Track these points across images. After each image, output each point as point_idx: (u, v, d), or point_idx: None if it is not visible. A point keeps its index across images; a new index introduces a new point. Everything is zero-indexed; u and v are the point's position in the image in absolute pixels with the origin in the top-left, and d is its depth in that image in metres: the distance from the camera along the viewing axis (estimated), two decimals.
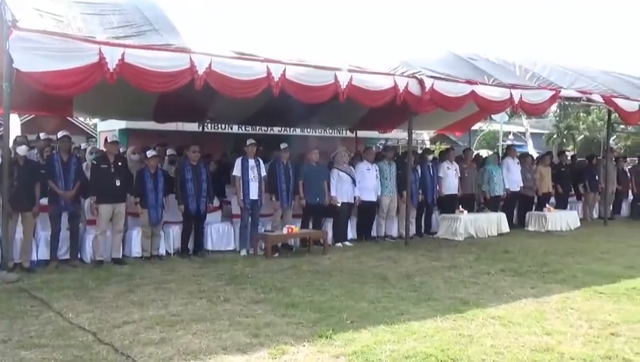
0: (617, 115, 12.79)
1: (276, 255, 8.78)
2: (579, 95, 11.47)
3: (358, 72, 8.63)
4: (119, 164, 8.26)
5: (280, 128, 16.17)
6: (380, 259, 8.58)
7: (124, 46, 6.87)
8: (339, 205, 9.77)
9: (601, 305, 6.04)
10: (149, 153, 8.61)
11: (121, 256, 8.26)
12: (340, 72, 8.38)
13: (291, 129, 16.23)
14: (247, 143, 9.20)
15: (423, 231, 11.17)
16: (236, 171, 9.05)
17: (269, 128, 16.21)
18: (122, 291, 6.47)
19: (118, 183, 8.10)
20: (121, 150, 11.27)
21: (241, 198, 8.97)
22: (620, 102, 11.96)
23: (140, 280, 7.02)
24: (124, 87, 7.69)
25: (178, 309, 5.72)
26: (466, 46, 11.74)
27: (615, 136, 41.81)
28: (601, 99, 11.76)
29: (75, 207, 8.01)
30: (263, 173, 9.18)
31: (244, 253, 8.94)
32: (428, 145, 24.47)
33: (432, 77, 9.34)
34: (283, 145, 9.56)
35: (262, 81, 7.79)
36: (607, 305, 6.07)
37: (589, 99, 11.75)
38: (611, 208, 14.44)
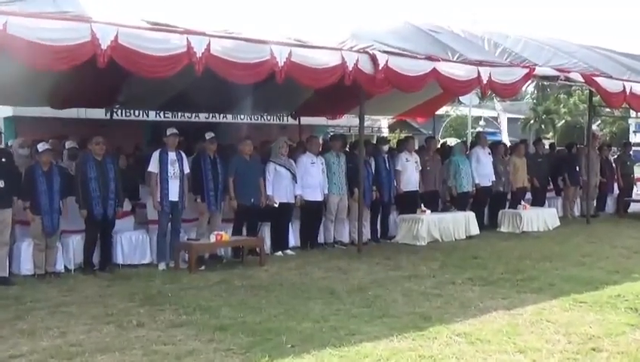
0: (599, 96, 13.29)
1: (202, 268, 8.71)
2: (556, 73, 11.85)
3: (298, 47, 8.64)
4: (3, 160, 8.01)
5: (207, 115, 16.02)
6: (327, 270, 8.63)
7: (6, 14, 6.63)
8: (276, 205, 9.78)
9: (582, 316, 6.26)
10: (41, 146, 8.36)
11: (7, 275, 7.99)
12: (276, 47, 8.36)
13: (220, 115, 16.10)
14: (167, 133, 9.09)
15: (378, 235, 11.30)
16: (152, 167, 8.93)
17: (194, 115, 16.05)
18: (8, 318, 6.27)
19: (1, 184, 7.85)
20: (10, 144, 10.96)
21: (159, 200, 8.86)
22: (602, 81, 12.42)
23: (31, 304, 6.83)
24: (9, 64, 7.44)
25: (79, 338, 5.60)
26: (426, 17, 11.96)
27: (599, 122, 43.60)
28: (580, 79, 12.17)
29: None
30: (186, 170, 9.09)
31: (162, 266, 8.84)
32: (386, 133, 24.75)
33: (386, 52, 9.44)
34: (209, 135, 9.47)
35: (181, 56, 7.68)
36: (587, 316, 6.29)
37: (567, 78, 12.16)
38: (595, 204, 14.98)
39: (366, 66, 9.26)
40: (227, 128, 15.92)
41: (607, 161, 15.50)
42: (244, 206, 9.57)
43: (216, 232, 8.98)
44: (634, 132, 44.76)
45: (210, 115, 16.15)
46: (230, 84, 8.83)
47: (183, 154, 9.16)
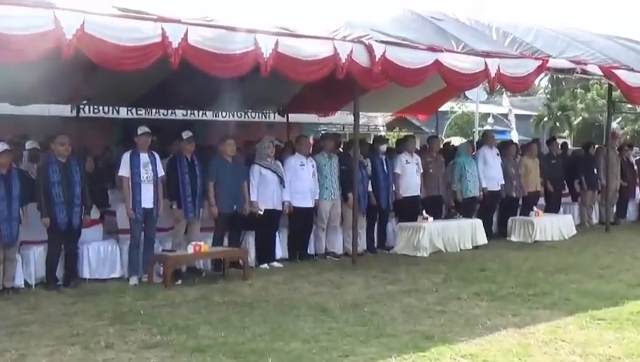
0: (620, 91, 13.35)
1: (179, 283, 8.71)
2: (571, 66, 11.92)
3: (285, 36, 8.66)
4: None
5: (184, 112, 16.03)
6: (318, 284, 8.65)
7: None
8: (261, 213, 9.79)
9: (600, 335, 6.30)
10: None
11: None
12: (261, 36, 8.37)
13: (199, 112, 16.10)
14: (139, 132, 9.08)
15: (375, 245, 11.33)
16: (123, 171, 8.94)
17: (169, 112, 16.05)
18: None
19: None
20: None
21: (131, 207, 8.86)
22: (622, 74, 12.50)
23: None
24: None
25: (40, 361, 5.57)
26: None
27: (620, 119, 43.81)
28: (598, 71, 12.24)
29: None
30: (160, 173, 9.10)
31: (134, 281, 8.84)
32: (383, 131, 24.81)
33: (383, 42, 9.47)
34: (186, 135, 9.47)
35: (155, 47, 7.67)
36: (606, 334, 6.34)
37: (583, 71, 12.21)
38: (615, 210, 15.07)
39: (361, 58, 9.28)
40: (207, 126, 15.94)
41: (628, 163, 15.58)
42: (225, 213, 9.57)
43: (194, 242, 8.97)
44: None
45: (188, 111, 16.17)
46: (210, 77, 8.83)
47: (157, 156, 9.15)
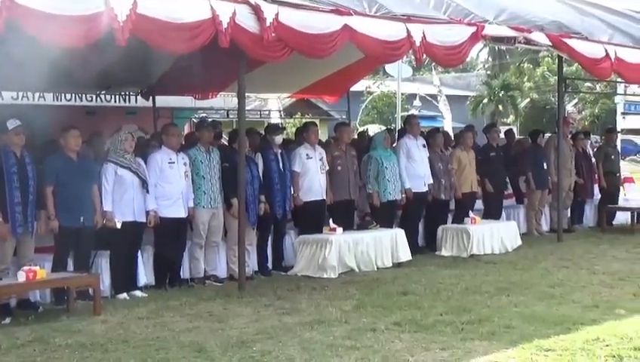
0: (580, 65, 13.67)
1: (6, 321, 8.55)
2: (512, 33, 12.21)
3: None
4: None
5: (13, 94, 15.59)
6: (194, 318, 8.63)
7: None
8: (117, 227, 9.72)
9: None
10: None
11: None
12: None
13: (34, 95, 15.73)
14: None
15: (269, 265, 11.42)
16: None
17: None
18: None
19: None
20: None
21: None
22: (576, 45, 12.91)
23: None
24: None
25: None
26: None
27: (576, 101, 45.41)
28: (546, 40, 12.61)
29: None
30: None
31: None
32: (279, 118, 24.87)
33: (275, 1, 9.51)
34: (13, 124, 9.24)
35: None
36: None
37: (527, 41, 12.57)
38: (569, 214, 15.65)
39: (247, 21, 9.29)
40: (43, 113, 15.54)
41: (584, 155, 16.13)
42: (69, 227, 9.45)
43: (26, 267, 8.78)
44: (622, 114, 45.96)
45: (19, 94, 15.74)
46: (47, 47, 8.64)
47: None
